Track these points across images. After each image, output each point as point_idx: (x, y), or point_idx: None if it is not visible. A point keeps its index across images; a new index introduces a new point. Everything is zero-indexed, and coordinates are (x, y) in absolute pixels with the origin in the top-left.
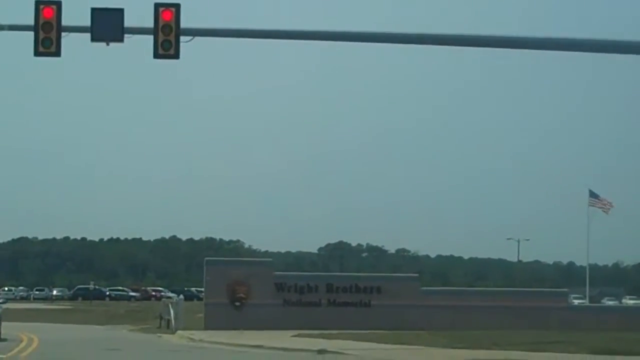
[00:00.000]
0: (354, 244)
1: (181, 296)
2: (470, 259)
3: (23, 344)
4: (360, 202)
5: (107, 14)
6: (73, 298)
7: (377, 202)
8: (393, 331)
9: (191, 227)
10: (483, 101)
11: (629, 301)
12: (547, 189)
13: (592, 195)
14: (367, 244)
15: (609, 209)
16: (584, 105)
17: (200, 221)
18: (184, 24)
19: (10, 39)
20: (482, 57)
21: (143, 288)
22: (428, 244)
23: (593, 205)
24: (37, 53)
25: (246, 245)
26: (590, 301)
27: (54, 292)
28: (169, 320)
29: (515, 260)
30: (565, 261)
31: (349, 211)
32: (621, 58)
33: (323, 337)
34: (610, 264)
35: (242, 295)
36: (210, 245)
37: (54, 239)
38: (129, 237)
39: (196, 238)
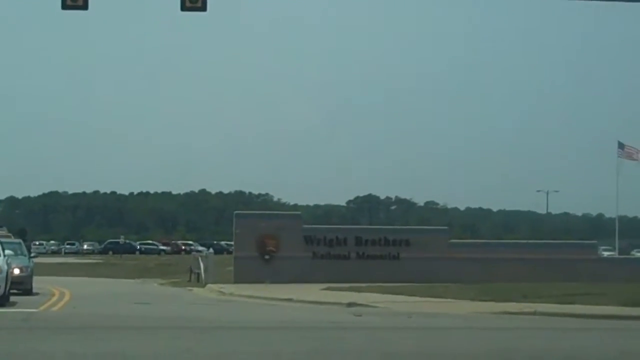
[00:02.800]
0: (382, 196)
1: (211, 249)
2: (499, 211)
3: (55, 298)
4: (389, 154)
5: None
6: (103, 252)
7: (406, 155)
8: (422, 284)
9: (220, 180)
10: (514, 53)
11: None
12: (576, 140)
13: (620, 146)
14: (396, 197)
15: (636, 156)
16: (614, 56)
17: (230, 174)
18: None
19: None
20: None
21: (173, 242)
22: (457, 196)
23: (621, 157)
24: (65, 6)
25: (275, 199)
26: (620, 253)
27: (85, 246)
28: (198, 274)
29: (544, 212)
30: (594, 213)
31: (378, 164)
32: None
33: (352, 290)
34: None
35: (271, 248)
36: (240, 198)
37: (84, 193)
38: (159, 191)
39: (225, 191)
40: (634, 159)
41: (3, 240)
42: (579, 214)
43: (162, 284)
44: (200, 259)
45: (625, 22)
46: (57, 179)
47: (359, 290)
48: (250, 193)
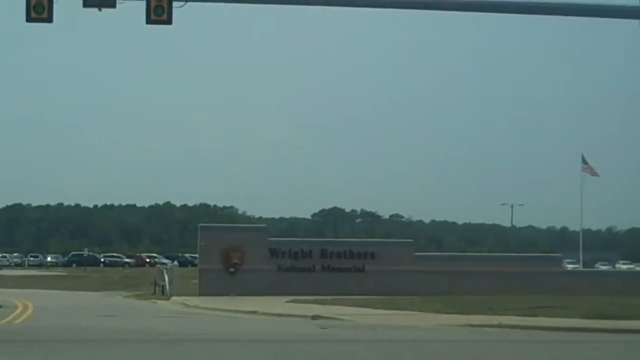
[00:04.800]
0: (348, 209)
1: (175, 262)
2: (464, 224)
3: (18, 311)
4: (354, 167)
5: None
6: (67, 264)
7: (371, 168)
8: (387, 296)
9: (185, 193)
10: (475, 68)
11: (622, 266)
12: (540, 154)
13: (584, 161)
14: (361, 210)
15: (594, 173)
16: (579, 70)
17: (195, 187)
18: None
19: (2, 5)
20: (473, 25)
21: (137, 254)
22: (422, 209)
23: (584, 171)
24: (29, 19)
25: (240, 211)
26: (584, 266)
27: (48, 259)
28: (163, 286)
29: (509, 225)
30: (558, 226)
31: (343, 177)
32: (616, 23)
33: (317, 303)
34: (603, 229)
35: (236, 261)
36: (205, 211)
37: (48, 205)
38: (123, 203)
39: (190, 204)
40: (595, 174)
41: None
42: (544, 227)
43: (126, 297)
44: (164, 271)
45: (590, 38)
46: (21, 191)
47: (324, 302)
48: (215, 206)
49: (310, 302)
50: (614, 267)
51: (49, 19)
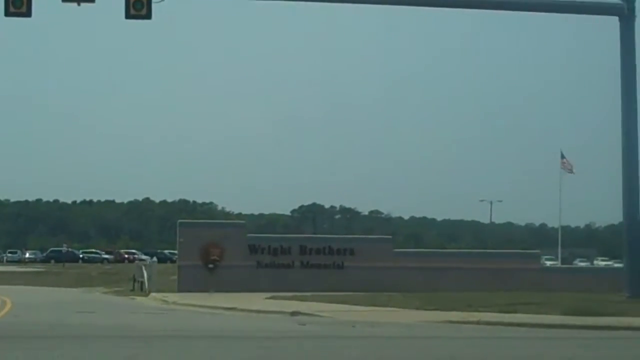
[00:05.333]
0: (327, 205)
1: (154, 258)
2: (443, 220)
3: None
4: (333, 164)
5: None
6: (46, 260)
7: (350, 164)
8: (366, 293)
9: (164, 189)
10: (455, 65)
11: (600, 262)
12: (520, 151)
13: (563, 157)
14: (341, 206)
15: (570, 169)
16: (559, 67)
17: (174, 183)
18: None
19: None
20: (454, 22)
21: (116, 250)
22: (401, 205)
23: (563, 167)
24: (7, 13)
25: (219, 208)
26: (562, 262)
27: (27, 255)
28: (142, 283)
29: (488, 221)
30: (537, 223)
31: (322, 173)
32: (596, 20)
33: (296, 299)
34: (582, 226)
35: (215, 257)
36: (184, 207)
37: (27, 201)
38: (102, 199)
39: (169, 200)
40: (570, 171)
41: None
42: (522, 223)
43: (105, 293)
44: (143, 267)
45: (570, 34)
46: None
47: (303, 299)
48: (194, 202)
49: (290, 298)
50: (593, 264)
51: (28, 14)
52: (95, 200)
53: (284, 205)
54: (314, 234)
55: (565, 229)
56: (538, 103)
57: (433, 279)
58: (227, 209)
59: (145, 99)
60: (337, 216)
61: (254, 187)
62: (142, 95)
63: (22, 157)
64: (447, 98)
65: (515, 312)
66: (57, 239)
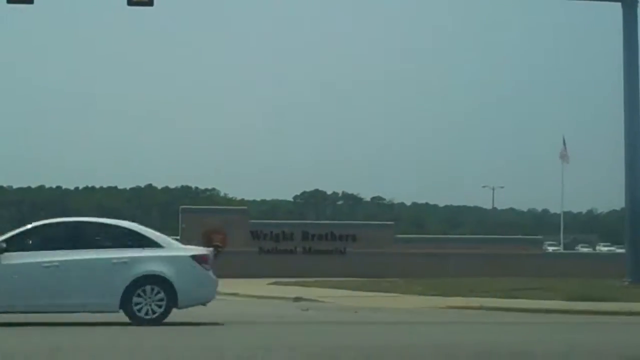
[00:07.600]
0: (329, 191)
1: None
2: (446, 206)
3: None
4: (335, 149)
5: None
6: None
7: (353, 150)
8: (368, 279)
9: (167, 175)
10: (456, 49)
11: (602, 248)
12: (522, 136)
13: (564, 143)
14: (343, 192)
15: (565, 158)
16: (562, 52)
17: (176, 169)
18: None
19: None
20: (454, 3)
21: None
22: (403, 191)
23: (560, 156)
24: (10, 0)
25: (222, 194)
26: (565, 248)
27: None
28: None
29: (490, 207)
30: (539, 208)
31: (325, 159)
32: (599, 5)
33: (299, 285)
34: (584, 211)
35: (218, 243)
36: (186, 193)
37: (29, 187)
38: (104, 186)
39: (172, 186)
40: (566, 162)
41: None
42: (525, 209)
43: None
44: None
45: (574, 19)
46: (1, 173)
47: (305, 285)
48: (196, 188)
49: (292, 284)
50: (595, 249)
51: (30, 0)
52: (97, 186)
53: (286, 191)
54: (316, 220)
55: (568, 214)
56: (540, 88)
57: (435, 264)
58: (230, 195)
59: (146, 88)
60: (340, 202)
61: (257, 173)
62: (142, 84)
63: (24, 143)
64: (449, 84)
65: (517, 297)
66: None
